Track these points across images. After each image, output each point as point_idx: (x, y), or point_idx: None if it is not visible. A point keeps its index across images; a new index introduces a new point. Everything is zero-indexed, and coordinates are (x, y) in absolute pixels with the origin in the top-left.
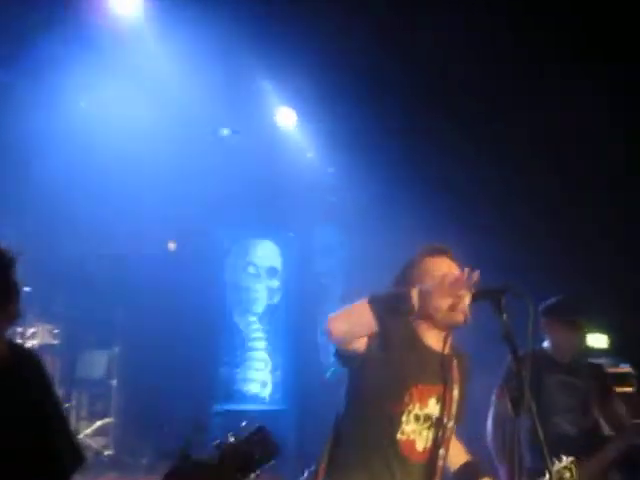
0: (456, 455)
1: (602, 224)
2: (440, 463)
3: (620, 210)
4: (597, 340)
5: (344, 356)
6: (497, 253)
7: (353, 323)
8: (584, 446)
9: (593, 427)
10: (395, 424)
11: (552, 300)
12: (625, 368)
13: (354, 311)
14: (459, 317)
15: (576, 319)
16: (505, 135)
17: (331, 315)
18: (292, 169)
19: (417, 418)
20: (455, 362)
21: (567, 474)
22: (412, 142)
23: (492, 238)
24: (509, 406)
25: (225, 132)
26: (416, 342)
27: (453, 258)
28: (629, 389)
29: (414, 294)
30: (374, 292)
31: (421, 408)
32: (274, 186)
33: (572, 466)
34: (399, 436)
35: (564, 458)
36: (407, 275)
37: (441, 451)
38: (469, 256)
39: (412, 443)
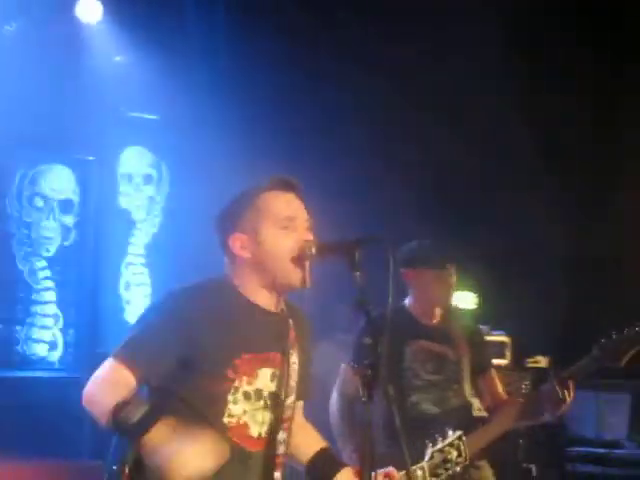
0: (306, 442)
1: (474, 174)
2: (280, 450)
3: (490, 159)
4: (464, 299)
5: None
6: (358, 193)
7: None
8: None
9: (460, 407)
10: (219, 406)
11: (412, 245)
12: (499, 336)
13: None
14: (296, 277)
15: (445, 266)
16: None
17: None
18: (94, 76)
19: (247, 396)
20: (291, 322)
21: (453, 453)
22: (259, 45)
23: (354, 172)
24: (360, 388)
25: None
26: (239, 300)
27: (302, 197)
28: (502, 361)
29: None
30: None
31: (250, 383)
32: (70, 97)
33: (459, 442)
34: (227, 420)
35: (450, 433)
36: (237, 215)
37: (280, 435)
38: (325, 196)
39: (244, 428)
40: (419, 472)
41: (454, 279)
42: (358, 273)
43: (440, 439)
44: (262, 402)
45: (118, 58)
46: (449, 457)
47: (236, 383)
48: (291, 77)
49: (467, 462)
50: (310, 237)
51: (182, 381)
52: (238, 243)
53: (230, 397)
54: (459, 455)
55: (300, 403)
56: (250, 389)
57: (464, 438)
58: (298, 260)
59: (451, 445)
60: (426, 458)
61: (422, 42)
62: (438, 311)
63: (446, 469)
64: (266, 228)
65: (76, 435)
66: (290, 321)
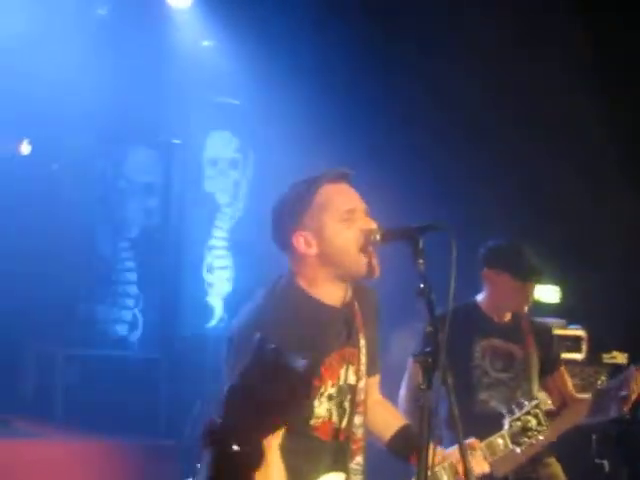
0: (385, 419)
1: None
2: (359, 434)
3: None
4: (547, 293)
5: None
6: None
7: None
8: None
9: None
10: (306, 412)
11: (503, 245)
12: (576, 330)
13: None
14: (365, 267)
15: (531, 279)
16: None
17: None
18: (182, 60)
19: (330, 397)
20: (357, 305)
21: (533, 421)
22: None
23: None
24: (420, 376)
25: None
26: (309, 305)
27: (351, 183)
28: (578, 356)
29: None
30: None
31: (333, 385)
32: (158, 80)
33: (537, 411)
34: (313, 422)
35: (525, 403)
36: (297, 212)
37: (357, 419)
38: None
39: (329, 424)
40: (500, 440)
41: (534, 292)
42: (421, 261)
43: (517, 409)
44: (342, 396)
45: (206, 43)
46: (529, 425)
47: (322, 389)
48: (368, 64)
49: (547, 429)
50: (373, 225)
51: None
52: (302, 240)
53: (316, 402)
54: (539, 423)
55: (375, 379)
56: (333, 391)
57: (542, 406)
58: (364, 249)
59: (528, 413)
60: (505, 427)
61: None
62: (514, 311)
63: (528, 437)
64: (330, 223)
65: (152, 414)
66: (355, 304)
